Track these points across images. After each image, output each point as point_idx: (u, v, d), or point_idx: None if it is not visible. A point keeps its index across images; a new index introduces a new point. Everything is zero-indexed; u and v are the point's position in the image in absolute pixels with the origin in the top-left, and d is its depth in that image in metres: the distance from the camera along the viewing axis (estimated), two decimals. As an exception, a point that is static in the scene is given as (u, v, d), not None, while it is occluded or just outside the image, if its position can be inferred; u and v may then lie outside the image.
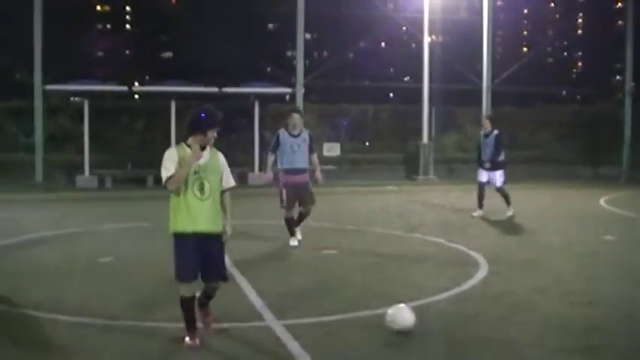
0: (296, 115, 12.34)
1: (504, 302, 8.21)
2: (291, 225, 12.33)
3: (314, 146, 12.44)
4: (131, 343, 6.62)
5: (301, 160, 12.23)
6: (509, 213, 15.89)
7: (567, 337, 6.93)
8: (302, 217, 12.46)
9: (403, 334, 6.86)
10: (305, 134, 12.31)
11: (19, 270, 10.14)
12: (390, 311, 7.07)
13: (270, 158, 12.53)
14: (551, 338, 6.88)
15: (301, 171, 12.25)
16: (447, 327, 7.27)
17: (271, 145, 12.52)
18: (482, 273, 9.86)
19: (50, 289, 8.75)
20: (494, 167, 16.14)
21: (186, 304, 6.67)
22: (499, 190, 16.23)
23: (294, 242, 12.24)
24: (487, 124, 16.37)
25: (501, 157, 16.24)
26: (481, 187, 16.47)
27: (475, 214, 16.28)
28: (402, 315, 7.02)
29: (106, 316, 7.39)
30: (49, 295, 8.43)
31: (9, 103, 29.32)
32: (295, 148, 12.13)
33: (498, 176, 16.18)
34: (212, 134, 6.64)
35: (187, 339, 6.59)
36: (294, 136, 12.18)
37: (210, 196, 6.69)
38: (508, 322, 7.38)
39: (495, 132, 16.15)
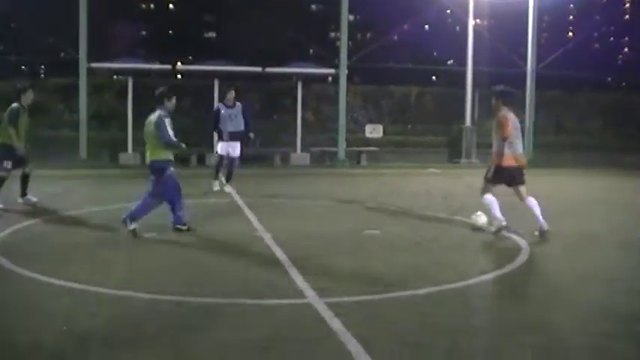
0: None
1: (546, 286, 8.17)
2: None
3: None
4: (176, 317, 6.67)
5: None
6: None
7: (611, 323, 6.83)
8: None
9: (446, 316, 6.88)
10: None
11: (65, 244, 10.27)
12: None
13: None
14: (594, 323, 6.82)
15: None
16: (488, 309, 7.26)
17: None
18: (524, 257, 9.77)
19: (96, 264, 8.86)
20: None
21: None
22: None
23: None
24: (230, 97, 16.18)
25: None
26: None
27: None
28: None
29: (150, 291, 7.47)
30: (95, 268, 8.54)
31: (55, 81, 29.76)
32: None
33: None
34: None
35: None
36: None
37: None
38: (550, 307, 7.32)
39: (238, 104, 16.16)
